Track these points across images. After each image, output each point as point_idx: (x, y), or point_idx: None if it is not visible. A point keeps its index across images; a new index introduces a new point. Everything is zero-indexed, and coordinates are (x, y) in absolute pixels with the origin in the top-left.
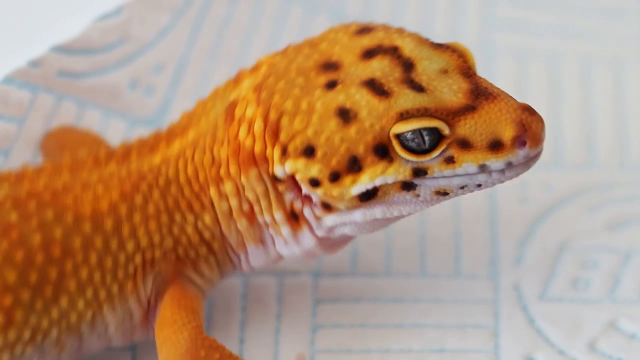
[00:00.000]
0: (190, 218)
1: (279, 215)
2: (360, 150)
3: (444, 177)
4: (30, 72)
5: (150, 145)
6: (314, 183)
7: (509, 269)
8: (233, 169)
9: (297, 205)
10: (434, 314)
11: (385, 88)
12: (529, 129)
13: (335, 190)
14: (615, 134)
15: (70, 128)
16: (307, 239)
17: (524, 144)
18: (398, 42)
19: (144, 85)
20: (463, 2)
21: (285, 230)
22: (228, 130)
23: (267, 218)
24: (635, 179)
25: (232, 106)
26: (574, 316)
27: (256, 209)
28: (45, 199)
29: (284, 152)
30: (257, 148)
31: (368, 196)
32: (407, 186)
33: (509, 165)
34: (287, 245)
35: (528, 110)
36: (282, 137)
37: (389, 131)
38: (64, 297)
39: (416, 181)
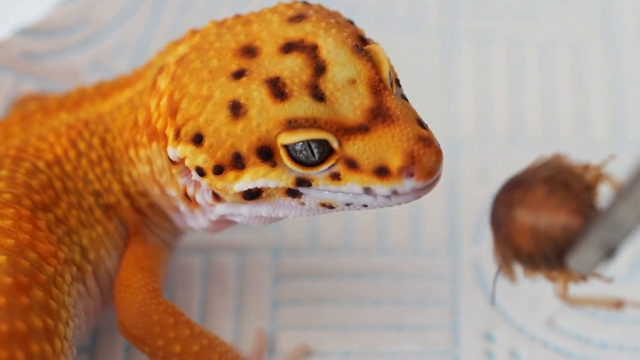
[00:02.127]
0: (125, 168)
1: (174, 193)
2: (244, 148)
3: (328, 191)
4: None
5: (102, 94)
6: (200, 172)
7: (468, 246)
8: (144, 138)
9: (190, 190)
10: (393, 290)
11: (286, 90)
12: (418, 161)
13: (218, 184)
14: (576, 113)
15: (37, 95)
16: (202, 220)
17: (411, 175)
18: (320, 40)
19: (105, 67)
20: None
21: (182, 207)
22: (149, 97)
23: (169, 192)
24: (595, 155)
25: (159, 72)
26: (533, 292)
27: (161, 181)
28: (12, 154)
29: (177, 135)
30: (159, 124)
31: (252, 195)
32: (292, 193)
33: (395, 192)
34: (189, 219)
35: (424, 140)
36: (178, 119)
37: (275, 136)
38: (75, 236)
39: (301, 189)
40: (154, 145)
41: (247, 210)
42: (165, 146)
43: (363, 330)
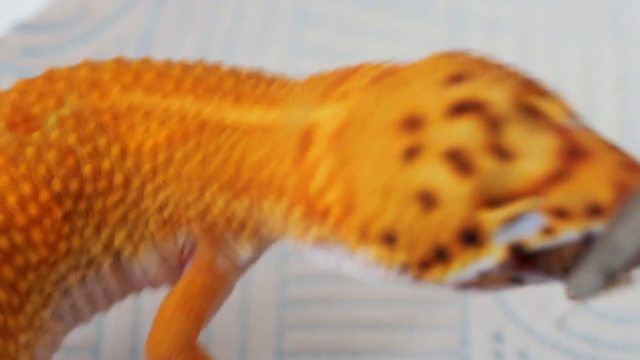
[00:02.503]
0: (221, 199)
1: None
2: (446, 238)
3: (552, 276)
4: None
5: (237, 94)
6: (403, 269)
7: None
8: (299, 212)
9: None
10: (403, 290)
11: (470, 160)
12: (628, 189)
13: (426, 277)
14: (586, 103)
15: None
16: (379, 274)
17: None
18: (488, 95)
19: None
20: None
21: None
22: (298, 167)
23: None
24: None
25: (306, 139)
26: (543, 293)
27: (329, 241)
28: (104, 121)
29: (363, 235)
30: (333, 215)
31: (469, 286)
32: (515, 280)
33: None
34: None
35: (626, 165)
36: (359, 215)
37: (477, 217)
38: (106, 229)
39: (525, 276)
40: (325, 227)
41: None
42: (345, 234)
43: (372, 330)
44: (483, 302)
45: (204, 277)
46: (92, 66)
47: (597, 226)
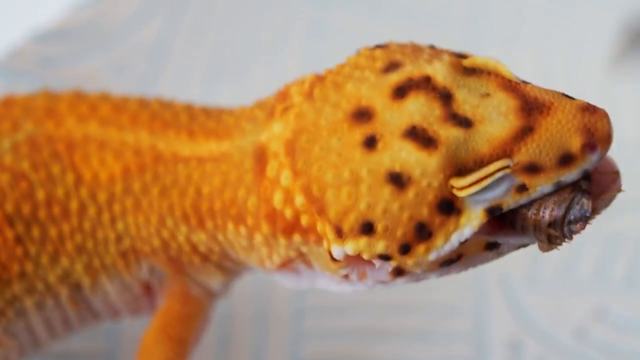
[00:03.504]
0: (183, 229)
1: (329, 271)
2: (425, 213)
3: (526, 234)
4: (9, 62)
5: (191, 128)
6: (384, 258)
7: None
8: (266, 229)
9: (353, 277)
10: (421, 294)
11: (430, 134)
12: (595, 131)
13: (409, 261)
14: None
15: None
16: (358, 287)
17: (593, 148)
18: (428, 70)
19: (123, 69)
20: None
21: (335, 278)
22: (258, 186)
23: (314, 266)
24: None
25: (261, 157)
26: (562, 302)
27: (296, 262)
28: (59, 150)
29: (339, 233)
30: (304, 221)
31: (450, 262)
32: (492, 246)
33: (584, 173)
34: (334, 285)
35: (588, 109)
36: (332, 215)
37: (450, 185)
38: (64, 257)
39: (500, 240)
40: (295, 237)
41: (436, 275)
42: (317, 240)
43: (389, 339)
44: (499, 310)
45: (179, 305)
46: (50, 95)
47: (568, 175)
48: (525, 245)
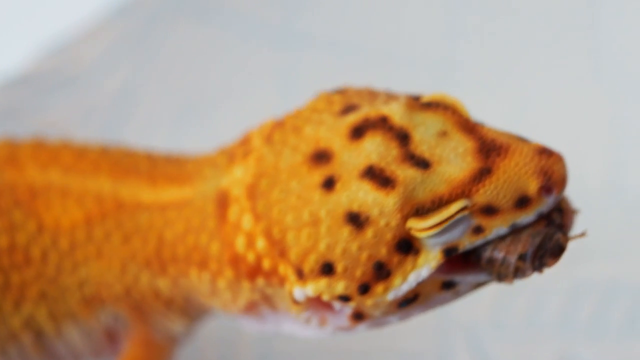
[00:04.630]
0: (145, 275)
1: (293, 314)
2: (383, 253)
3: (483, 272)
4: None
5: (152, 175)
6: (344, 299)
7: (460, 302)
8: (230, 273)
9: (313, 321)
10: (385, 340)
11: (388, 174)
12: (552, 174)
13: (368, 301)
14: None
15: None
16: (321, 332)
17: (549, 191)
18: (385, 110)
19: (89, 116)
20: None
21: (298, 322)
22: (221, 231)
23: (279, 310)
24: (592, 211)
25: (223, 200)
26: (527, 349)
27: (260, 305)
28: (20, 197)
29: (300, 274)
30: (266, 265)
31: (408, 302)
32: (448, 285)
33: (540, 215)
34: (298, 328)
35: (544, 153)
36: (293, 257)
37: (408, 226)
38: (27, 303)
39: (458, 279)
40: (259, 281)
41: (396, 318)
42: (280, 282)
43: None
44: (464, 356)
45: (142, 351)
46: (10, 143)
47: (524, 218)
48: (482, 285)
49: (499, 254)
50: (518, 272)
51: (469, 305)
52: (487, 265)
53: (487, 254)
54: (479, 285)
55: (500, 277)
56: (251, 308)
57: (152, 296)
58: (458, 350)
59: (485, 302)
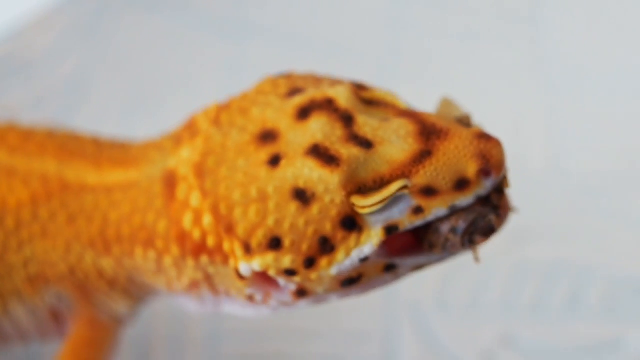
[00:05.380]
0: (89, 254)
1: (234, 293)
2: (328, 228)
3: (424, 255)
4: None
5: (97, 158)
6: (289, 273)
7: (406, 282)
8: (176, 250)
9: (257, 297)
10: (331, 320)
11: (332, 152)
12: (490, 158)
13: (313, 275)
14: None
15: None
16: (262, 310)
17: (487, 174)
18: (331, 93)
19: (41, 102)
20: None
21: (239, 301)
22: (168, 209)
23: (220, 292)
24: (534, 193)
25: (170, 180)
26: (470, 328)
27: (202, 284)
28: None
29: (248, 249)
30: (211, 242)
31: (350, 281)
32: (389, 267)
33: (477, 198)
34: (238, 308)
35: (483, 137)
36: (240, 232)
37: (351, 202)
38: None
39: (398, 261)
40: (203, 258)
41: (337, 296)
42: (223, 260)
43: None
44: (409, 336)
45: (87, 331)
46: None
47: (463, 200)
48: (420, 267)
49: (435, 224)
50: (447, 244)
51: (414, 285)
52: (423, 232)
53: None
54: (416, 268)
55: (431, 246)
56: (193, 287)
57: (95, 276)
58: (403, 330)
59: (430, 282)
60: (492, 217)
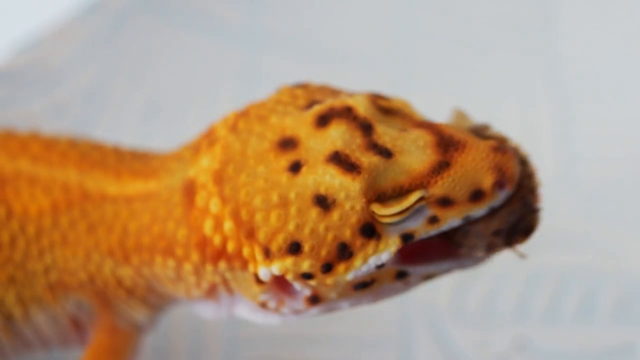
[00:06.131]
0: (109, 263)
1: (248, 298)
2: (348, 235)
3: (433, 264)
4: None
5: (118, 169)
6: (306, 277)
7: (422, 289)
8: (196, 257)
9: (271, 304)
10: (348, 326)
11: (353, 160)
12: (506, 170)
13: (329, 280)
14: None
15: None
16: (271, 318)
17: (502, 186)
18: (350, 101)
19: (61, 112)
20: None
21: (251, 306)
22: (188, 216)
23: (235, 294)
24: (547, 200)
25: (190, 189)
26: (486, 334)
27: (219, 288)
28: None
29: (267, 253)
30: (231, 247)
31: (364, 286)
32: (401, 275)
33: (491, 209)
34: (251, 314)
35: (499, 150)
36: (261, 236)
37: (371, 210)
38: None
39: (409, 269)
40: (221, 264)
41: (348, 304)
42: (242, 265)
43: None
44: (425, 342)
45: (108, 338)
46: None
47: (477, 211)
48: (430, 277)
49: (475, 228)
50: (490, 247)
51: (430, 291)
52: (461, 238)
53: (461, 230)
54: (427, 277)
55: (472, 250)
56: (211, 291)
57: (114, 284)
58: (419, 336)
59: (445, 288)
60: (532, 217)
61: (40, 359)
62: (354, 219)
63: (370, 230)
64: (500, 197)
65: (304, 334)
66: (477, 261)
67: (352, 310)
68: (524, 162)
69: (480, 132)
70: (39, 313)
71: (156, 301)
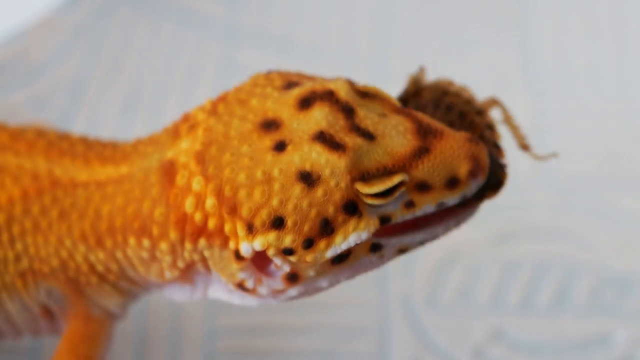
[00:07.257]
0: (81, 248)
1: (225, 278)
2: (331, 211)
3: (406, 235)
4: None
5: (87, 156)
6: (288, 252)
7: (398, 280)
8: (174, 235)
9: (249, 283)
10: (326, 317)
11: (337, 140)
12: (480, 160)
13: (309, 256)
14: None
15: None
16: (247, 299)
17: (475, 176)
18: (331, 85)
19: (43, 105)
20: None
21: (227, 287)
22: (167, 195)
23: (212, 274)
24: (522, 193)
25: (170, 169)
26: (461, 322)
27: (198, 266)
28: None
29: (250, 229)
30: (212, 224)
31: (340, 259)
32: (375, 247)
33: (463, 198)
34: (227, 294)
35: (473, 140)
36: (244, 212)
37: (356, 188)
38: None
39: (383, 241)
40: (201, 241)
41: (326, 281)
42: (222, 243)
43: (296, 358)
44: (402, 332)
45: (82, 326)
46: None
47: (451, 198)
48: (404, 249)
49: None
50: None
51: (406, 282)
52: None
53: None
54: (401, 250)
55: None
56: (187, 271)
57: (87, 270)
58: (397, 326)
59: (421, 278)
60: (500, 173)
61: (11, 347)
62: (337, 196)
63: (352, 207)
64: (473, 186)
65: (282, 323)
66: (447, 228)
67: (330, 301)
68: (480, 113)
69: (445, 87)
70: (9, 302)
71: (128, 287)
